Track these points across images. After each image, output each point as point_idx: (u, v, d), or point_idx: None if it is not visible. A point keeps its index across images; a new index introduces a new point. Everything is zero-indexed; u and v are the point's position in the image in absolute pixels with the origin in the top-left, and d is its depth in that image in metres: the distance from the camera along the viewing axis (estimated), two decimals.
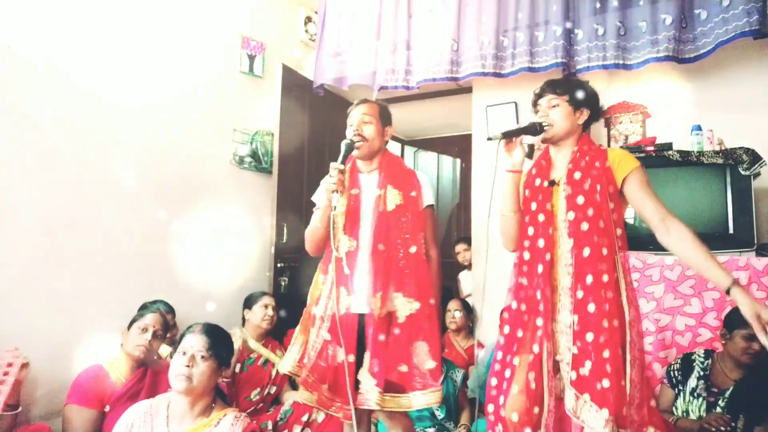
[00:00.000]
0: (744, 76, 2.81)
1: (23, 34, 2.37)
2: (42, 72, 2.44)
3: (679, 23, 2.65)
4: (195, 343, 1.80)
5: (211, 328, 1.89)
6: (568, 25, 2.89)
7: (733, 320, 2.15)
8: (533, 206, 1.74)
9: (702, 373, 2.18)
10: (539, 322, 1.63)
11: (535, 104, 1.80)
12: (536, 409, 1.60)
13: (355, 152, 1.99)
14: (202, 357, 1.79)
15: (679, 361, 2.27)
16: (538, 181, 1.75)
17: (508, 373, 1.68)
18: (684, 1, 2.66)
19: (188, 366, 1.75)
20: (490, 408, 1.70)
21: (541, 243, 1.68)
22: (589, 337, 1.55)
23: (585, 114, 1.75)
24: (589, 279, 1.58)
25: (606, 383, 1.51)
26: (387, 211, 1.93)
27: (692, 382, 2.18)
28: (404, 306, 1.87)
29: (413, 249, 1.93)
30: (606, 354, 1.53)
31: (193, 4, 3.16)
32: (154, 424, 1.78)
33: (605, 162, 1.67)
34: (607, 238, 1.61)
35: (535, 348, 1.63)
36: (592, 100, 1.77)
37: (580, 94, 1.74)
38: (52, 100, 2.47)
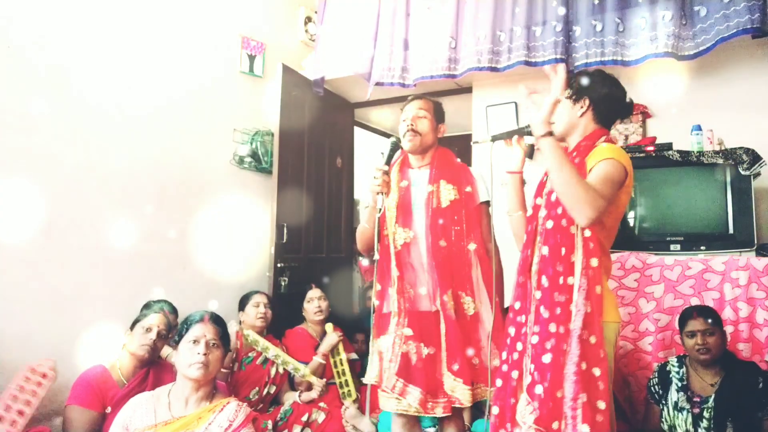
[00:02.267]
0: (744, 75, 2.82)
1: (23, 34, 2.37)
2: (42, 72, 2.44)
3: (679, 20, 2.64)
4: (208, 332, 1.88)
5: (217, 317, 1.98)
6: (567, 19, 2.89)
7: (679, 322, 2.18)
8: (532, 203, 1.71)
9: (680, 384, 2.15)
10: (521, 319, 1.61)
11: None
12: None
13: (407, 145, 1.98)
14: (215, 344, 1.88)
15: (655, 374, 2.25)
16: (542, 178, 1.70)
17: (505, 367, 1.66)
18: None
19: (206, 354, 1.82)
20: (495, 410, 1.63)
21: (527, 240, 1.66)
22: (534, 339, 1.50)
23: (585, 103, 1.63)
24: (544, 280, 1.52)
25: (538, 389, 1.44)
26: (441, 207, 1.91)
27: (673, 395, 2.15)
28: (469, 305, 1.87)
29: (472, 246, 1.91)
30: (546, 359, 1.46)
31: (193, 5, 3.16)
32: (157, 409, 1.82)
33: (585, 157, 1.57)
34: (566, 238, 1.51)
35: (518, 346, 1.59)
36: (596, 88, 1.63)
37: (579, 85, 1.64)
38: (52, 100, 2.47)
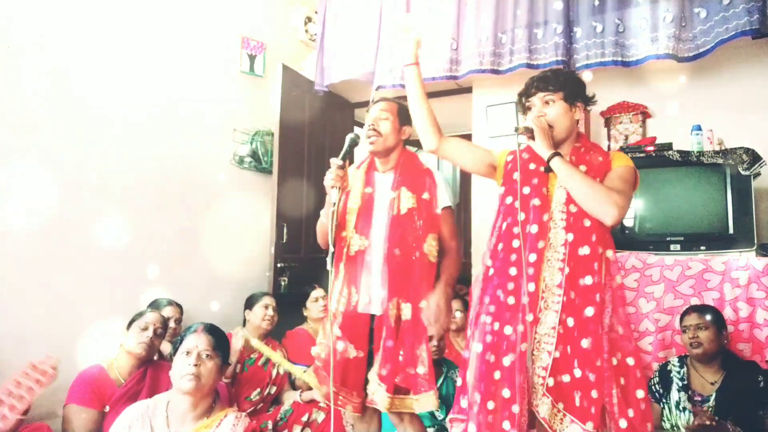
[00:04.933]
0: (744, 76, 2.82)
1: (23, 34, 2.37)
2: (42, 72, 2.44)
3: (679, 22, 2.65)
4: (200, 343, 1.82)
5: (213, 328, 1.91)
6: (568, 21, 2.90)
7: (679, 322, 2.21)
8: (526, 190, 1.62)
9: (681, 384, 2.16)
10: (529, 317, 1.52)
11: (523, 103, 1.70)
12: (515, 408, 1.50)
13: (369, 147, 2.00)
14: (208, 355, 1.81)
15: (657, 373, 2.25)
16: (533, 165, 1.64)
17: (497, 375, 1.55)
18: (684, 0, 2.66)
19: (197, 365, 1.76)
20: (464, 403, 1.60)
21: (534, 229, 1.57)
22: (584, 342, 1.45)
23: (580, 109, 1.66)
24: (588, 279, 1.49)
25: (594, 394, 1.42)
26: (400, 215, 1.92)
27: (674, 395, 2.16)
28: (408, 310, 1.88)
29: (417, 254, 1.91)
30: (597, 362, 1.43)
31: (193, 5, 3.16)
32: (154, 424, 1.76)
33: (607, 158, 1.63)
34: (602, 236, 1.54)
35: (523, 346, 1.52)
36: (583, 92, 1.69)
37: (574, 89, 1.65)
38: (52, 100, 2.47)
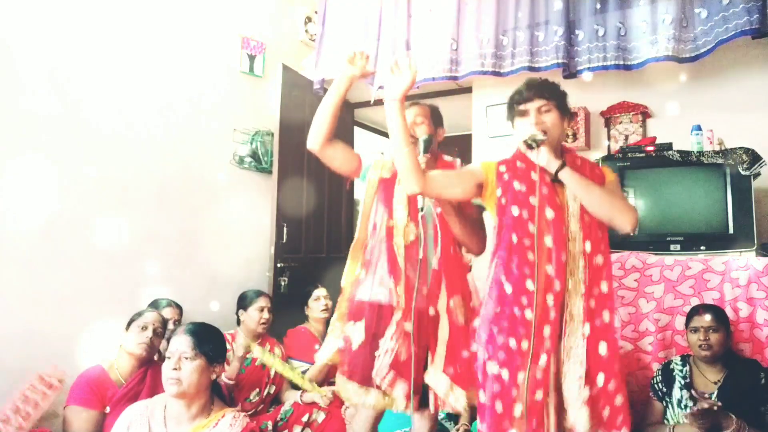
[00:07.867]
0: (744, 76, 2.82)
1: (23, 34, 2.37)
2: (42, 71, 2.44)
3: (679, 23, 2.65)
4: (180, 345, 1.77)
5: (196, 327, 1.86)
6: (569, 24, 2.90)
7: (686, 319, 2.21)
8: (532, 200, 1.57)
9: (683, 382, 2.16)
10: (546, 331, 1.50)
11: (514, 109, 1.65)
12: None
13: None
14: (188, 358, 1.76)
15: (659, 372, 2.25)
16: (535, 174, 1.59)
17: (514, 392, 1.49)
18: (684, 0, 2.66)
19: (176, 369, 1.73)
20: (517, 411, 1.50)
21: (549, 241, 1.55)
22: (603, 349, 1.50)
23: (567, 122, 1.68)
24: (603, 287, 1.57)
25: (618, 401, 1.46)
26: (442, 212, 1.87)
27: (676, 393, 2.16)
28: (460, 308, 1.86)
29: (452, 249, 1.89)
30: (616, 368, 1.50)
31: (193, 5, 3.16)
32: (152, 425, 1.76)
33: (600, 170, 1.69)
34: (607, 244, 1.61)
35: (542, 361, 1.48)
36: (567, 103, 1.70)
37: (565, 100, 1.67)
38: (52, 100, 2.47)
